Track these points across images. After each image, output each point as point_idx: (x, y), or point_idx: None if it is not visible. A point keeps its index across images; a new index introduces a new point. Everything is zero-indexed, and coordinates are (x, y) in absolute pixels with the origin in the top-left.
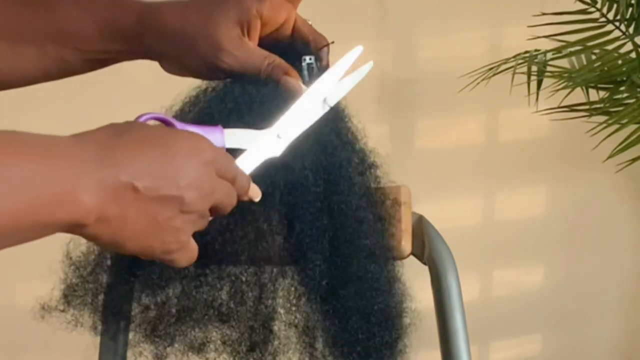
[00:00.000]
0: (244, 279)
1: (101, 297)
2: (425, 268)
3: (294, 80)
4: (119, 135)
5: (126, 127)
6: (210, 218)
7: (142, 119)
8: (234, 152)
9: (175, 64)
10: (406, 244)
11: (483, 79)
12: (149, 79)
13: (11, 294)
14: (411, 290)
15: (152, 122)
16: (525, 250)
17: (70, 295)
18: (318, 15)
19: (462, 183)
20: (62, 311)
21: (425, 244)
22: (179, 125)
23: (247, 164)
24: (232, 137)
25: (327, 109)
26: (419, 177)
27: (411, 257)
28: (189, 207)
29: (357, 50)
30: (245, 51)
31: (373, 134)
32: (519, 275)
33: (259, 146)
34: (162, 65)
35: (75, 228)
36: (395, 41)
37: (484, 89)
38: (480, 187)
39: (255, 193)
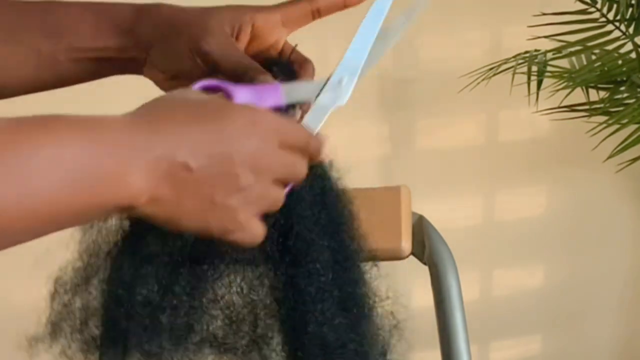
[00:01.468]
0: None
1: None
2: (425, 268)
3: (271, 79)
4: (170, 111)
5: (177, 102)
6: (284, 191)
7: (195, 88)
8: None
9: (160, 55)
10: (406, 244)
11: (483, 79)
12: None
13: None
14: (411, 290)
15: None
16: (525, 250)
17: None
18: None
19: (462, 183)
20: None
21: (425, 244)
22: (235, 89)
23: (315, 119)
24: (291, 92)
25: (388, 44)
26: (419, 177)
27: (411, 257)
28: (246, 184)
29: (423, 3)
30: (229, 43)
31: (373, 134)
32: (519, 275)
33: (324, 97)
34: (149, 65)
35: (127, 210)
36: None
37: (484, 89)
38: (480, 187)
39: (328, 152)
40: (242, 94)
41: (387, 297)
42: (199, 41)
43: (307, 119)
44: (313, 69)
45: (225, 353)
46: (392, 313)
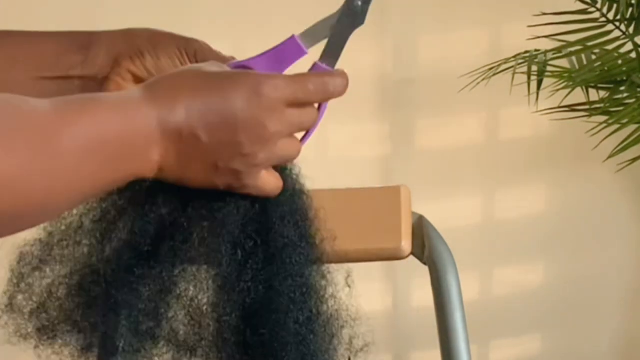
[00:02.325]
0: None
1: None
2: (425, 268)
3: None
4: (181, 83)
5: (190, 74)
6: (298, 141)
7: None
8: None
9: (148, 59)
10: (406, 244)
11: (483, 79)
12: None
13: None
14: (411, 290)
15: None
16: (525, 250)
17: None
18: (318, 15)
19: (462, 183)
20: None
21: (425, 244)
22: (251, 61)
23: (336, 50)
24: (308, 37)
25: None
26: (419, 177)
27: (411, 257)
28: (250, 152)
29: None
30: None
31: (373, 134)
32: (519, 274)
33: (342, 24)
34: (111, 77)
35: (142, 176)
36: (395, 41)
37: (484, 89)
38: (480, 186)
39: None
40: (261, 64)
41: (341, 300)
42: (189, 43)
43: (327, 52)
44: None
45: (185, 353)
46: (348, 315)
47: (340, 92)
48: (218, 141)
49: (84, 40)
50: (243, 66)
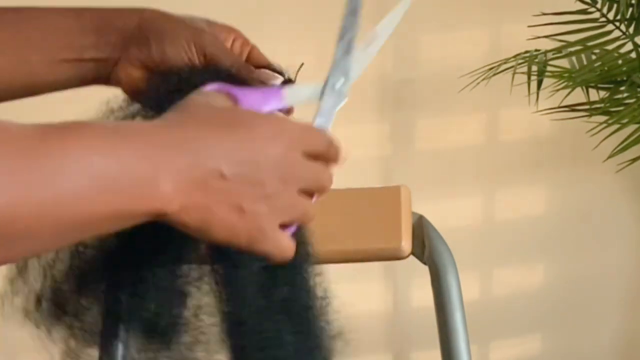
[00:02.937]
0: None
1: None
2: (425, 268)
3: (270, 72)
4: (201, 118)
5: (204, 108)
6: (312, 201)
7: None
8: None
9: (154, 48)
10: (406, 244)
11: (483, 79)
12: None
13: None
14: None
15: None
16: (525, 250)
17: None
18: (318, 15)
19: (462, 183)
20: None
21: (425, 244)
22: (240, 92)
23: (325, 123)
24: (292, 95)
25: (375, 46)
26: (419, 177)
27: (411, 257)
28: (272, 191)
29: (406, 4)
30: (224, 45)
31: (373, 134)
32: (519, 275)
33: (327, 100)
34: (123, 66)
35: (157, 217)
36: (395, 41)
37: (484, 89)
38: (481, 186)
39: (345, 155)
40: (247, 98)
41: (330, 302)
42: (200, 36)
43: (317, 124)
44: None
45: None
46: (334, 318)
47: (335, 161)
48: (243, 180)
49: (96, 21)
50: (226, 90)
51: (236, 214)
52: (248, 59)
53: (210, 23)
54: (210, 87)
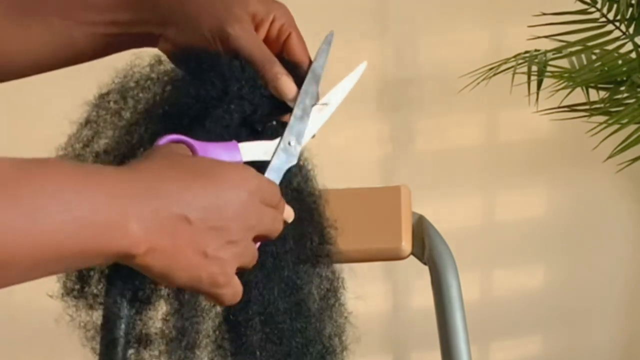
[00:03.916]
0: None
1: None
2: (425, 268)
3: (291, 83)
4: (168, 165)
5: (172, 157)
6: (256, 246)
7: (163, 142)
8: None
9: (179, 32)
10: (406, 244)
11: (483, 79)
12: None
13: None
14: (411, 290)
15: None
16: (525, 250)
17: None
18: (318, 15)
19: (462, 183)
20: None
21: (425, 244)
22: (198, 144)
23: (274, 178)
24: (247, 151)
25: (327, 111)
26: (419, 177)
27: (411, 257)
28: (236, 238)
29: (362, 67)
30: (252, 32)
31: (373, 134)
32: (519, 275)
33: (279, 158)
34: (163, 39)
35: (124, 258)
36: (395, 41)
37: (484, 89)
38: (481, 186)
39: (289, 213)
40: (203, 150)
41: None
42: (223, 24)
43: (267, 175)
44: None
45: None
46: (342, 315)
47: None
48: (209, 225)
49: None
50: (183, 141)
51: (200, 259)
52: (284, 48)
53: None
54: (169, 138)
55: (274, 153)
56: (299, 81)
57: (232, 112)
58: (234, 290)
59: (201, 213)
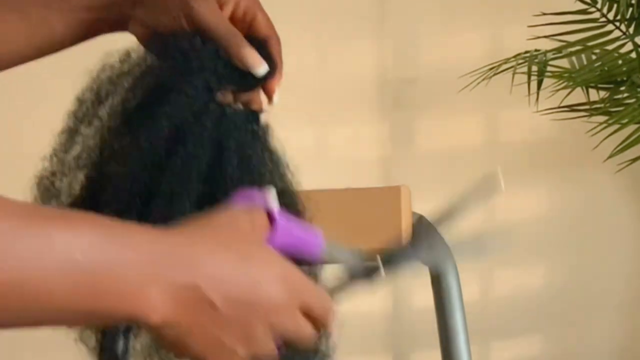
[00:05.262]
0: None
1: None
2: (426, 268)
3: (255, 53)
4: (213, 237)
5: (224, 229)
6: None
7: (243, 199)
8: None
9: (148, 12)
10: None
11: (483, 79)
12: None
13: None
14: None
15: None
16: (525, 251)
17: None
18: (318, 15)
19: (462, 183)
20: None
21: (425, 244)
22: (282, 220)
23: (340, 292)
24: (330, 251)
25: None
26: (419, 177)
27: None
28: (256, 336)
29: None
30: (218, 11)
31: (373, 134)
32: (519, 275)
33: (355, 279)
34: (133, 21)
35: (136, 321)
36: (395, 41)
37: (484, 89)
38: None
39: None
40: (286, 229)
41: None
42: (188, 2)
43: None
44: (279, 43)
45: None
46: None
47: (325, 328)
48: (234, 318)
49: None
50: (269, 211)
51: (214, 345)
52: (250, 28)
53: None
54: (257, 199)
55: (354, 270)
56: (266, 56)
57: (197, 86)
58: None
59: (230, 303)
